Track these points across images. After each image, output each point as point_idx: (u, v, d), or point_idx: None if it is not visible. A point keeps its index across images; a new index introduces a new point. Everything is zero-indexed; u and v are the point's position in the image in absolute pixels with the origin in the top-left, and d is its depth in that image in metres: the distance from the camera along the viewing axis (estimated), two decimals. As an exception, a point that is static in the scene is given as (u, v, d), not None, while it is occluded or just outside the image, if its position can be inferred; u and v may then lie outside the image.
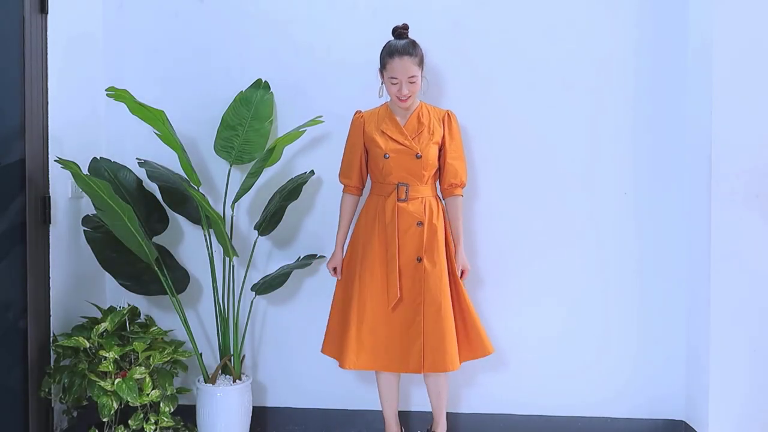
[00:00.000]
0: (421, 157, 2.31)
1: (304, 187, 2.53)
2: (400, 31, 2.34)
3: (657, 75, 2.58)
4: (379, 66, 2.34)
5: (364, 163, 2.43)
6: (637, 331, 2.61)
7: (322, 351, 2.45)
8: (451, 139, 2.38)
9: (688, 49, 2.55)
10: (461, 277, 2.38)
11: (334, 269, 2.45)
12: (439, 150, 2.38)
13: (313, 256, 2.64)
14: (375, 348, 2.30)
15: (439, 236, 2.32)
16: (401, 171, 2.32)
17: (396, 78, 2.27)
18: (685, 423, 2.59)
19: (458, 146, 2.41)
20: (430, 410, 2.51)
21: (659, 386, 2.62)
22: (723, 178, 2.36)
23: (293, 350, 2.73)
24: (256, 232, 2.57)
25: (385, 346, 2.29)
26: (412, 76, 2.27)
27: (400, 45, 2.28)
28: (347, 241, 2.47)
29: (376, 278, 2.30)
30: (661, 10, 2.57)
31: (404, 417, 2.66)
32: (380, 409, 2.54)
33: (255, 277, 2.67)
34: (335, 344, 2.39)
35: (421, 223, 2.31)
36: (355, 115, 2.45)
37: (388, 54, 2.29)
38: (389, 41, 2.33)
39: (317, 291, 2.71)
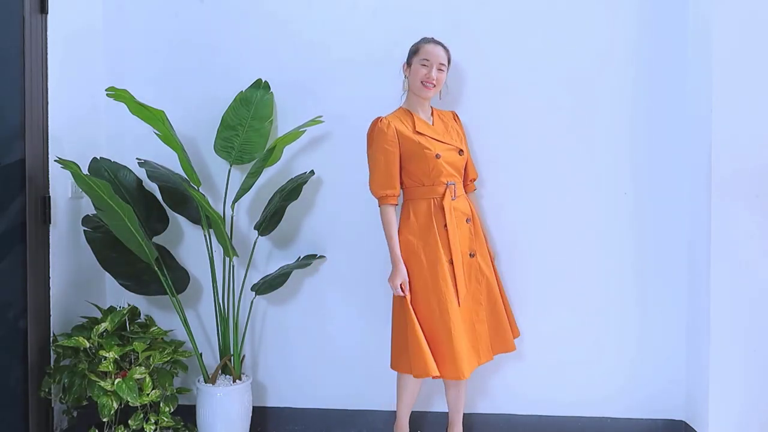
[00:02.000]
0: (463, 153, 2.38)
1: (304, 187, 2.53)
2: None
3: (657, 75, 2.58)
4: (406, 61, 2.38)
5: (400, 170, 2.35)
6: (637, 331, 2.61)
7: (418, 375, 2.20)
8: (465, 138, 2.49)
9: (688, 48, 2.55)
10: (493, 262, 2.46)
11: (401, 286, 2.26)
12: None
13: (313, 256, 2.64)
14: (471, 350, 2.28)
15: (480, 230, 2.41)
16: (450, 169, 2.33)
17: (428, 60, 2.31)
18: (685, 423, 2.59)
19: (467, 144, 2.51)
20: (429, 410, 2.52)
21: (659, 386, 2.61)
22: (723, 178, 2.36)
23: (293, 350, 2.73)
24: (256, 232, 2.57)
25: (470, 346, 2.29)
26: (442, 64, 2.33)
27: (434, 38, 2.38)
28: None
29: (446, 284, 2.24)
30: (660, 9, 2.57)
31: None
32: (380, 409, 2.55)
33: (255, 277, 2.67)
34: (438, 360, 2.21)
35: (469, 220, 2.35)
36: (380, 122, 2.32)
37: (422, 41, 2.37)
38: (420, 40, 2.39)
39: (317, 291, 2.71)
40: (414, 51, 2.36)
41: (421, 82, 2.31)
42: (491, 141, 2.62)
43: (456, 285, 2.27)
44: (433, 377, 2.18)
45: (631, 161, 2.60)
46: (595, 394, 2.63)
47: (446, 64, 2.35)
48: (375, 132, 2.32)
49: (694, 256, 2.52)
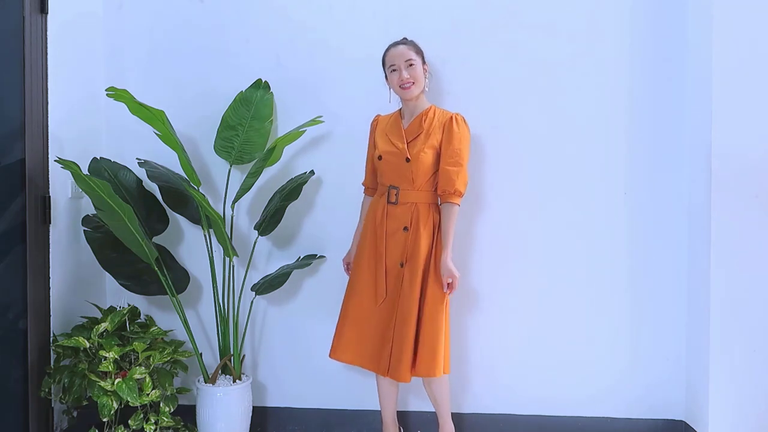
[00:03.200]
0: (410, 161, 2.28)
1: (304, 187, 2.53)
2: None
3: (657, 74, 2.58)
4: (384, 75, 2.40)
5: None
6: (637, 331, 2.61)
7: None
8: (448, 145, 2.28)
9: (687, 48, 2.55)
10: (448, 288, 2.24)
11: (347, 265, 2.53)
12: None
13: (313, 256, 2.64)
14: (358, 344, 2.33)
15: (422, 244, 2.26)
16: (392, 174, 2.33)
17: (394, 64, 2.31)
18: (685, 423, 2.59)
19: (456, 152, 2.27)
20: (428, 411, 2.52)
21: (659, 386, 2.61)
22: (723, 177, 2.36)
23: (293, 350, 2.73)
24: (256, 232, 2.57)
25: (366, 344, 2.32)
26: (409, 59, 2.30)
27: (394, 41, 2.39)
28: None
29: (364, 276, 2.34)
30: (660, 9, 2.57)
31: (403, 417, 2.66)
32: (380, 409, 2.54)
33: (255, 277, 2.67)
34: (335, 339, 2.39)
35: (406, 228, 2.29)
36: (374, 118, 2.50)
37: (385, 51, 2.38)
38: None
39: (317, 291, 2.71)
40: (383, 64, 2.38)
41: (399, 86, 2.31)
42: (488, 141, 2.62)
43: (376, 284, 2.31)
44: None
45: (631, 161, 2.60)
46: (594, 394, 2.63)
47: (415, 58, 2.30)
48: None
49: (694, 256, 2.52)
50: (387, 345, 2.28)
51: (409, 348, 2.22)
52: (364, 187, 2.54)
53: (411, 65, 2.30)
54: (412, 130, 2.34)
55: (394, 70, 2.31)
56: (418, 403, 2.66)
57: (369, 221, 2.39)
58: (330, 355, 2.36)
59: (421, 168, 2.28)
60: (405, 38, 2.39)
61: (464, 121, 2.35)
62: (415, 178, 2.30)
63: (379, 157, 2.35)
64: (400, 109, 2.43)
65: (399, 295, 2.28)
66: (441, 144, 2.30)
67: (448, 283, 2.24)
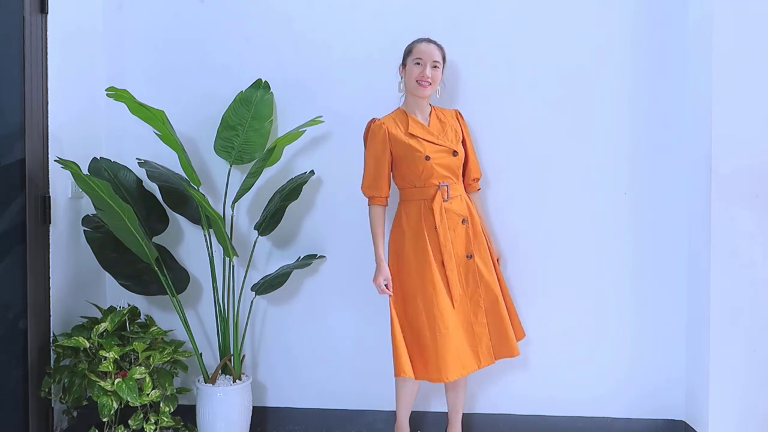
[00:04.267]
0: (457, 154, 2.36)
1: (304, 187, 2.53)
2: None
3: (657, 74, 2.58)
4: (401, 62, 2.39)
5: (390, 171, 2.38)
6: (637, 331, 2.61)
7: (407, 374, 2.21)
8: (468, 136, 2.47)
9: (687, 47, 2.55)
10: (498, 263, 2.45)
11: (386, 285, 2.31)
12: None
13: (313, 256, 2.64)
14: (462, 352, 2.27)
15: (479, 231, 2.37)
16: (442, 171, 2.33)
17: (421, 59, 2.31)
18: (685, 423, 2.59)
19: (471, 142, 2.49)
20: (428, 410, 2.51)
21: (659, 386, 2.61)
22: (723, 177, 2.36)
23: (293, 350, 2.73)
24: (256, 232, 2.57)
25: (466, 348, 2.28)
26: (436, 61, 2.32)
27: (429, 37, 2.38)
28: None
29: (440, 284, 2.26)
30: (660, 8, 2.57)
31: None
32: (380, 409, 2.55)
33: (255, 277, 2.67)
34: (422, 362, 2.25)
35: (465, 221, 2.33)
36: (373, 123, 2.37)
37: (415, 41, 2.36)
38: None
39: (317, 291, 2.71)
40: (408, 51, 2.36)
41: (416, 80, 2.31)
42: (490, 141, 2.62)
43: (449, 287, 2.26)
44: (416, 378, 2.25)
45: (631, 161, 2.60)
46: (594, 394, 2.63)
47: (441, 62, 2.34)
48: (368, 133, 2.38)
49: (694, 256, 2.52)
50: (484, 336, 2.31)
51: (509, 325, 2.35)
52: (372, 199, 2.36)
53: (435, 67, 2.33)
54: (436, 126, 2.39)
55: (418, 63, 2.31)
56: (418, 402, 2.65)
57: (418, 228, 2.30)
58: (452, 377, 2.20)
59: (462, 160, 2.40)
60: (436, 41, 2.37)
61: None
62: (458, 171, 2.38)
63: (427, 158, 2.30)
64: (402, 110, 2.40)
65: (478, 285, 2.32)
66: (463, 136, 2.44)
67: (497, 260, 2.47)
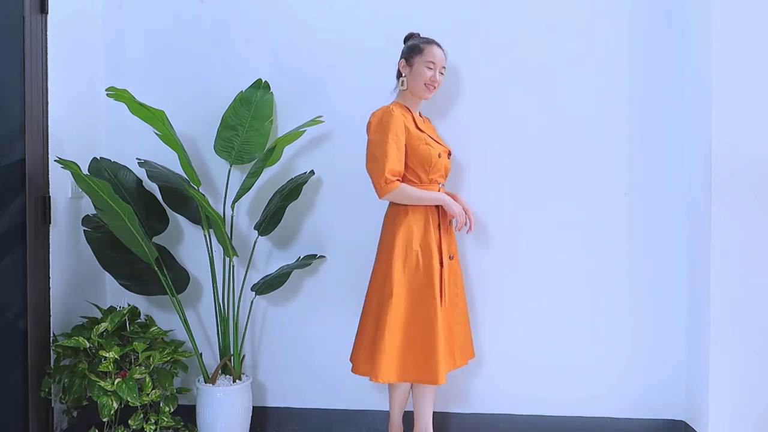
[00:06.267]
0: (450, 156, 2.40)
1: (304, 187, 2.53)
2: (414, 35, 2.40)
3: (657, 73, 2.58)
4: (404, 57, 2.32)
5: None
6: (637, 331, 2.61)
7: (382, 379, 2.16)
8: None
9: (687, 47, 2.55)
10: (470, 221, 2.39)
11: (463, 212, 2.30)
12: None
13: (313, 256, 2.64)
14: (450, 353, 2.28)
15: (453, 233, 2.40)
16: (442, 170, 2.34)
17: (434, 63, 2.29)
18: (685, 423, 2.59)
19: None
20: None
21: (659, 386, 2.62)
22: (723, 177, 2.36)
23: (293, 350, 2.73)
24: (256, 232, 2.57)
25: (448, 349, 2.27)
26: (444, 68, 2.33)
27: (435, 40, 2.34)
28: (396, 244, 2.23)
29: (437, 284, 2.22)
30: (660, 8, 2.57)
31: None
32: (380, 409, 2.55)
33: (255, 277, 2.67)
34: (412, 363, 2.18)
35: (451, 222, 2.35)
36: (392, 109, 2.23)
37: (425, 42, 2.31)
38: (417, 37, 2.35)
39: (317, 291, 2.71)
40: (418, 50, 2.29)
41: (425, 84, 2.29)
42: (488, 141, 2.62)
43: (442, 287, 2.24)
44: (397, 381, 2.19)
45: (631, 161, 2.60)
46: (594, 394, 2.63)
47: (445, 69, 2.35)
48: (385, 118, 2.22)
49: (694, 256, 2.52)
50: (459, 336, 2.33)
51: (469, 327, 2.43)
52: (391, 184, 2.18)
53: (441, 74, 2.33)
54: (429, 127, 2.42)
55: (430, 68, 2.28)
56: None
57: (426, 223, 2.26)
58: (436, 383, 2.15)
59: None
60: (441, 45, 2.34)
61: None
62: (447, 174, 2.41)
63: (439, 155, 2.29)
64: (402, 104, 2.33)
65: (456, 286, 2.34)
66: None
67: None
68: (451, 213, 2.27)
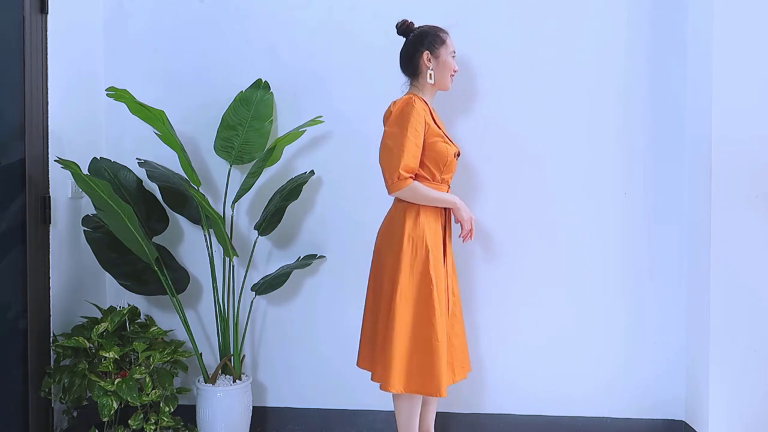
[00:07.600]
0: (458, 156, 2.25)
1: (304, 187, 2.53)
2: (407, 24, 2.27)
3: (657, 73, 2.58)
4: (427, 49, 2.17)
5: None
6: (637, 332, 2.61)
7: (398, 389, 2.04)
8: None
9: (687, 47, 2.55)
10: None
11: (470, 220, 2.17)
12: None
13: (313, 256, 2.64)
14: (449, 362, 2.14)
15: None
16: (453, 170, 2.23)
17: (455, 52, 2.22)
18: (685, 423, 2.59)
19: None
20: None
21: (659, 386, 2.61)
22: (723, 178, 2.36)
23: (293, 350, 2.73)
24: (256, 232, 2.57)
25: (447, 360, 2.10)
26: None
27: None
28: (405, 240, 2.09)
29: (440, 288, 2.08)
30: (660, 7, 2.57)
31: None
32: (380, 409, 2.55)
33: (255, 277, 2.67)
34: (416, 373, 2.04)
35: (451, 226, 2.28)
36: (410, 98, 2.10)
37: (443, 31, 2.21)
38: (429, 27, 2.24)
39: (317, 291, 2.71)
40: (441, 41, 2.17)
41: (450, 75, 2.21)
42: (488, 141, 2.62)
43: (448, 294, 2.13)
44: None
45: (631, 161, 2.60)
46: (594, 394, 2.63)
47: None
48: (406, 110, 2.06)
49: (694, 256, 2.52)
50: (458, 344, 2.20)
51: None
52: (404, 180, 2.04)
53: None
54: (441, 124, 2.27)
55: (453, 57, 2.21)
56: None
57: (436, 224, 2.13)
58: (436, 393, 2.02)
59: None
60: None
61: None
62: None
63: (457, 155, 2.19)
64: (421, 97, 2.17)
65: (454, 294, 2.22)
66: None
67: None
68: (459, 218, 2.15)
